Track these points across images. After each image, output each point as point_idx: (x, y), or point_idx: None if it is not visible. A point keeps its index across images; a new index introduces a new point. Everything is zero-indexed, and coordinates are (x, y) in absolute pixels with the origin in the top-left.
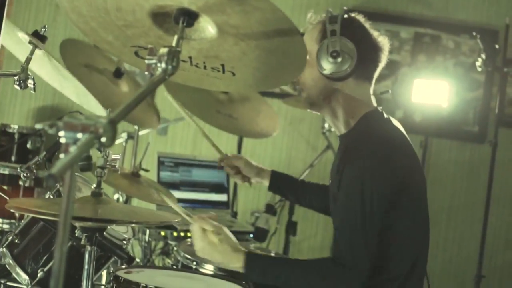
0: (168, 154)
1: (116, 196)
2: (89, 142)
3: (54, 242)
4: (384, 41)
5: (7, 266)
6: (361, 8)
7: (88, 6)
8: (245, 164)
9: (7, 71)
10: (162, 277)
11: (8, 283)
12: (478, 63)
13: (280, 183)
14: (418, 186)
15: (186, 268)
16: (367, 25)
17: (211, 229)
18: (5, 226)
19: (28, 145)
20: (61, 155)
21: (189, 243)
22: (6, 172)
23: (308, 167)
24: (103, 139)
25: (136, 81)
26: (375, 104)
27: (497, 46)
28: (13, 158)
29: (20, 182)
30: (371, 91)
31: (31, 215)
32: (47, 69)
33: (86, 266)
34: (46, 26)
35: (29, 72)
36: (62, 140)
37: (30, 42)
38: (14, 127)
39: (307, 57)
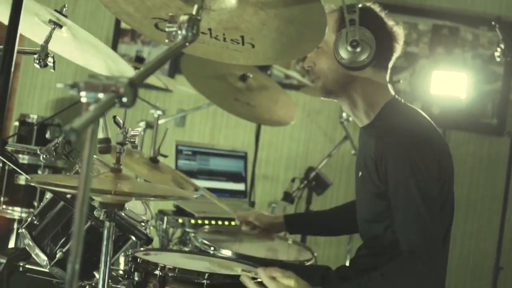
0: (186, 143)
1: None
2: (110, 101)
3: (73, 222)
4: (399, 31)
5: (26, 247)
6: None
7: None
8: (255, 218)
9: (26, 48)
10: (180, 259)
11: (27, 266)
12: (497, 53)
13: (297, 225)
14: (451, 171)
15: (204, 252)
16: (382, 14)
17: (280, 274)
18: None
19: (47, 135)
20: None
21: (206, 230)
22: (25, 161)
23: (326, 157)
24: (124, 99)
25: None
26: (392, 92)
27: None
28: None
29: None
30: (388, 80)
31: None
32: (70, 47)
33: (105, 242)
34: (66, 5)
35: (48, 51)
36: (83, 100)
37: (50, 21)
38: (33, 117)
39: (323, 46)
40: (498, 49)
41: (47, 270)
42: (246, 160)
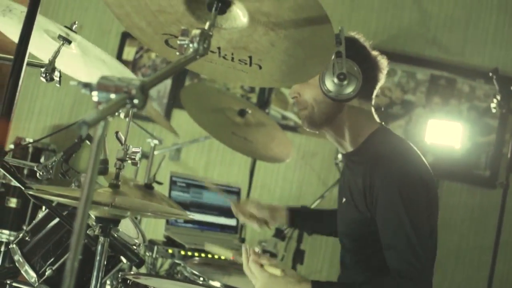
0: (181, 175)
1: None
2: (122, 101)
3: (64, 240)
4: (382, 60)
5: (16, 263)
6: (378, 47)
7: None
8: (256, 206)
9: (34, 61)
10: (170, 285)
11: (14, 284)
12: (493, 104)
13: (300, 220)
14: (436, 202)
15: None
16: (367, 44)
17: (268, 263)
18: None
19: (42, 160)
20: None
21: (196, 262)
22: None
23: (319, 198)
24: (135, 101)
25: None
26: (377, 119)
27: None
28: (25, 172)
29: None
30: (372, 107)
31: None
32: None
33: (98, 258)
34: (77, 22)
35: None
36: (95, 99)
37: (59, 37)
38: (29, 140)
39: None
40: (495, 100)
41: None
42: (239, 196)
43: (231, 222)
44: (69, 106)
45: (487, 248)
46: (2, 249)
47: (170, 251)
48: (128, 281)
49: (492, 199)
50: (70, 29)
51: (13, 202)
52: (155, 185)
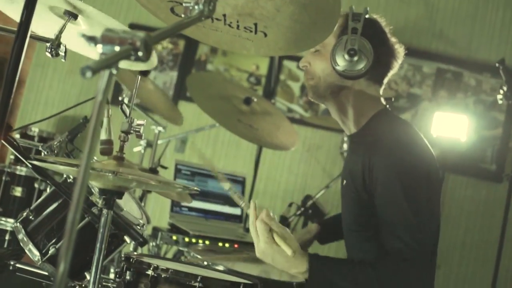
0: (186, 163)
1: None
2: (126, 51)
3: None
4: (400, 49)
5: (20, 242)
6: None
7: None
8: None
9: (39, 36)
10: (173, 264)
11: (18, 265)
12: (500, 96)
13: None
14: (438, 184)
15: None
16: (387, 29)
17: (277, 230)
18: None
19: None
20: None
21: (200, 248)
22: (23, 173)
23: (324, 188)
24: (140, 53)
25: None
26: (384, 103)
27: None
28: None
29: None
30: (381, 93)
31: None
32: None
33: (101, 230)
34: None
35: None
36: (99, 51)
37: (65, 12)
38: (35, 130)
39: (321, 49)
40: (501, 91)
41: (38, 271)
42: (244, 185)
43: (236, 211)
44: (75, 97)
45: (493, 243)
46: (7, 237)
47: (174, 237)
48: (131, 259)
49: (498, 193)
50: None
51: (18, 191)
52: (160, 170)
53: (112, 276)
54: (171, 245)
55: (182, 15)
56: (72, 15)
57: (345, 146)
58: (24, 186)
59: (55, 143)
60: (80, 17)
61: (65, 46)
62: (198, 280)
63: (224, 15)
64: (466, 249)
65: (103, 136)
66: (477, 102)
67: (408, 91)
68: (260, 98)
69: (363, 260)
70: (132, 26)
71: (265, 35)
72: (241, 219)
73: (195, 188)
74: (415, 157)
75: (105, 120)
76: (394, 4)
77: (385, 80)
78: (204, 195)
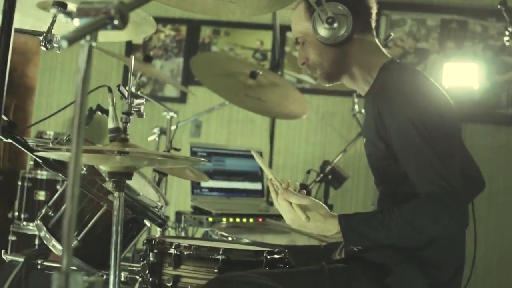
0: (201, 144)
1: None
2: (101, 21)
3: (86, 210)
4: None
5: (43, 239)
6: None
7: None
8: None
9: (32, 30)
10: (196, 241)
11: (45, 264)
12: (506, 37)
13: None
14: (455, 123)
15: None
16: None
17: (296, 201)
18: None
19: None
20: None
21: (224, 225)
22: (44, 177)
23: (341, 152)
24: (116, 21)
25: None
26: (388, 55)
27: None
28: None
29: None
30: (378, 42)
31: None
32: None
33: (115, 212)
34: None
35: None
36: (77, 24)
37: (54, 3)
38: (50, 133)
39: (306, 38)
40: (506, 33)
41: None
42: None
43: (257, 186)
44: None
45: None
46: (37, 241)
47: (197, 219)
48: (153, 241)
49: None
50: None
51: (41, 195)
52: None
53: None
54: (196, 226)
55: None
56: (61, 5)
57: (356, 107)
58: (46, 189)
59: (64, 137)
60: (70, 6)
61: (58, 37)
62: (221, 252)
63: None
64: (493, 196)
65: (110, 124)
66: (486, 48)
67: (415, 47)
68: (266, 70)
69: (391, 207)
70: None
71: None
72: (263, 193)
73: (203, 161)
74: (423, 99)
75: (110, 108)
76: None
77: (373, 24)
78: (223, 174)
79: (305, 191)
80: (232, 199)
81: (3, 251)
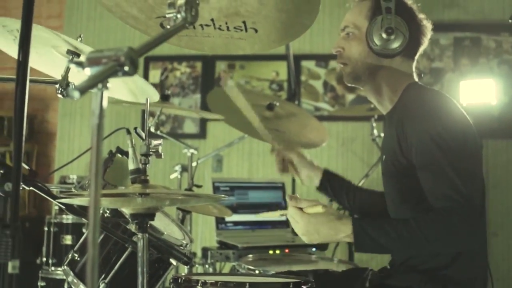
0: (223, 179)
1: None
2: (112, 68)
3: (112, 253)
4: (428, 25)
5: (70, 284)
6: None
7: None
8: (298, 156)
9: (47, 79)
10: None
11: None
12: None
13: (332, 183)
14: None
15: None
16: (414, 6)
17: (308, 204)
18: None
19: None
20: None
21: (250, 259)
22: (70, 221)
23: (363, 178)
24: (126, 68)
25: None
26: (416, 79)
27: None
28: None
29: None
30: (414, 68)
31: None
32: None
33: (139, 254)
34: (82, 35)
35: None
36: (88, 74)
37: (68, 52)
38: (73, 177)
39: (355, 32)
40: None
41: None
42: (284, 190)
43: (281, 217)
44: (106, 140)
45: None
46: (66, 286)
47: (224, 254)
48: (179, 280)
49: None
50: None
51: (68, 239)
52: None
53: None
54: (223, 261)
55: (167, 26)
56: (75, 54)
57: (375, 132)
58: (73, 233)
59: (86, 182)
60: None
61: (74, 85)
62: (247, 287)
63: (212, 20)
64: None
65: (131, 165)
66: (501, 63)
67: (430, 67)
68: (282, 101)
69: (407, 218)
70: (148, 58)
71: (256, 31)
72: (288, 224)
73: (223, 197)
74: (446, 117)
75: (130, 150)
76: None
77: (417, 56)
78: (247, 207)
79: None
80: (257, 231)
81: None
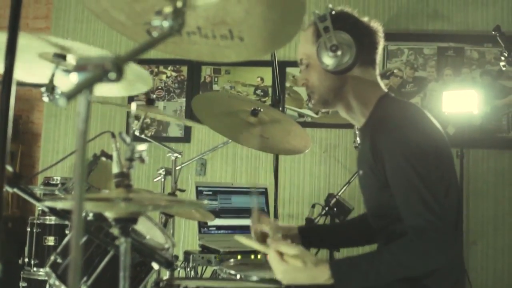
0: (206, 183)
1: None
2: (97, 75)
3: (94, 256)
4: (375, 24)
5: (53, 286)
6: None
7: None
8: (273, 227)
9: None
10: (205, 282)
11: None
12: (502, 62)
13: (312, 239)
14: (449, 159)
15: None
16: (355, 13)
17: (287, 251)
18: None
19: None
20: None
21: (232, 263)
22: (53, 222)
23: (345, 184)
24: (111, 75)
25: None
26: (385, 89)
27: None
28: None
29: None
30: (377, 75)
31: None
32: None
33: (122, 258)
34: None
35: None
36: (75, 79)
37: (54, 55)
38: (57, 178)
39: (309, 61)
40: (502, 58)
41: None
42: (267, 195)
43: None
44: (91, 143)
45: None
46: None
47: (206, 257)
48: (160, 284)
49: None
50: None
51: (50, 240)
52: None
53: None
54: (205, 265)
55: (153, 33)
56: (60, 57)
57: (358, 140)
58: (55, 234)
59: (70, 184)
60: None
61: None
62: None
63: (199, 28)
64: (498, 220)
65: (115, 169)
66: (484, 74)
67: (413, 76)
68: (267, 107)
69: (380, 249)
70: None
71: (242, 39)
72: None
73: (206, 202)
74: (417, 132)
75: (114, 153)
76: None
77: (377, 59)
78: (230, 212)
79: (289, 240)
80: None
81: None
